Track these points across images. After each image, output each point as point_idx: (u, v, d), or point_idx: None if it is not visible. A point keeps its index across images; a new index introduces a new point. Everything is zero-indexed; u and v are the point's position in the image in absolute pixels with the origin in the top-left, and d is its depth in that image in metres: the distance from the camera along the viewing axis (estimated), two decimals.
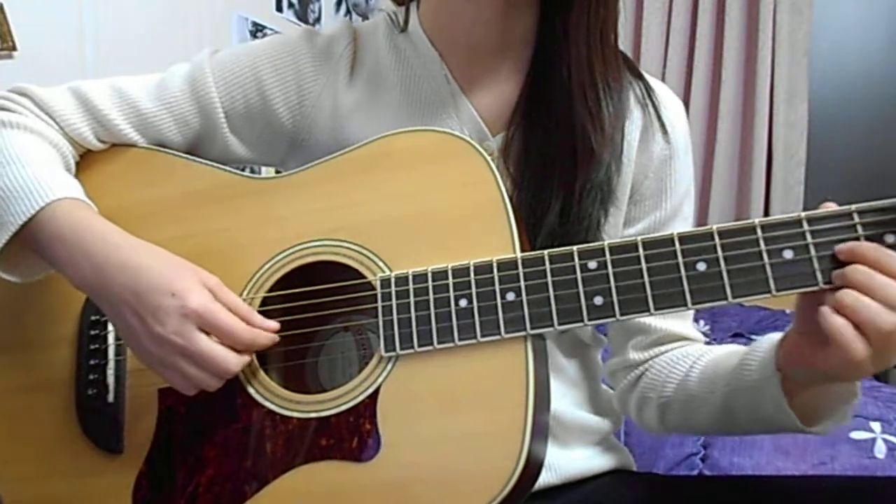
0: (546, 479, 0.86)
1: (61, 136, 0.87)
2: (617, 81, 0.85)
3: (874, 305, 0.61)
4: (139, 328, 0.72)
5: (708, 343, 0.93)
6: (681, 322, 0.92)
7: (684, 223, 0.93)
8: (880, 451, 1.47)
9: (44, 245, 0.76)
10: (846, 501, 0.75)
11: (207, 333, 0.71)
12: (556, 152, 0.82)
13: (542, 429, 0.70)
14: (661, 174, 0.90)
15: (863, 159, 2.91)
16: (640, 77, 0.90)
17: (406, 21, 0.90)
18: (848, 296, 0.62)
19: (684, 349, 0.90)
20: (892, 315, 0.61)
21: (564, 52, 0.82)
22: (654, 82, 0.92)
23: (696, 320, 0.94)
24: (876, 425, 1.52)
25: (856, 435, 1.50)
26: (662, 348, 0.91)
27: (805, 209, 0.65)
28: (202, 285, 0.73)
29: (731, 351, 0.85)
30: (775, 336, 0.77)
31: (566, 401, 0.91)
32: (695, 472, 1.50)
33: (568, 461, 0.89)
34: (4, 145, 0.81)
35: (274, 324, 0.75)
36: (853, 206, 0.64)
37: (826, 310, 0.63)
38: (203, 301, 0.71)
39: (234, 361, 0.72)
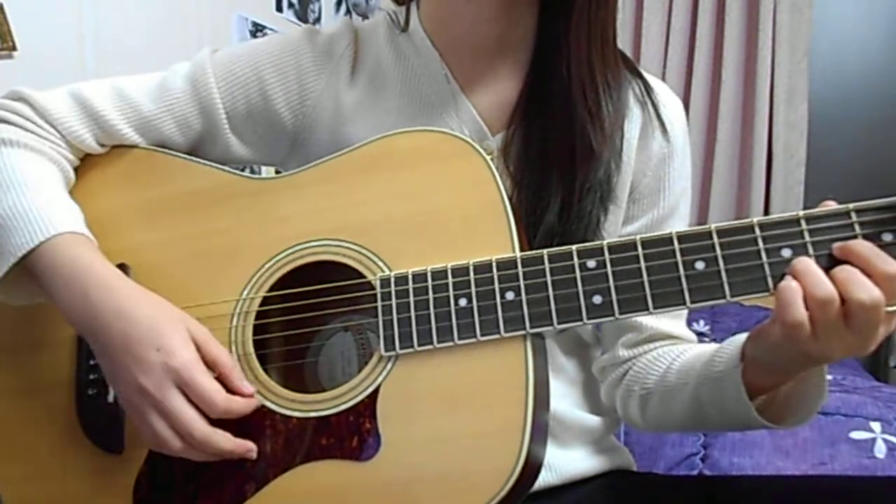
0: (546, 479, 0.86)
1: (61, 146, 0.86)
2: (616, 81, 0.85)
3: (831, 288, 0.62)
4: (123, 375, 0.72)
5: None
6: (673, 322, 0.92)
7: (681, 222, 0.93)
8: (880, 451, 1.47)
9: (41, 278, 0.76)
10: (846, 501, 0.76)
11: (186, 394, 0.71)
12: (556, 151, 0.83)
13: (541, 428, 0.70)
14: (660, 172, 0.91)
15: (863, 159, 2.91)
16: (638, 75, 0.90)
17: (407, 21, 0.90)
18: (800, 262, 0.63)
19: (671, 346, 0.91)
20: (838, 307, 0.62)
21: (564, 51, 0.83)
22: (654, 81, 0.92)
23: (696, 320, 0.95)
24: (876, 425, 1.52)
25: (856, 435, 1.50)
26: (651, 345, 0.91)
27: (805, 209, 0.65)
28: (189, 342, 0.73)
29: (711, 346, 0.85)
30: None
31: (566, 401, 0.91)
32: (695, 472, 1.51)
33: (568, 461, 0.89)
34: (3, 167, 0.81)
35: (249, 388, 0.74)
36: (851, 205, 0.64)
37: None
38: (185, 360, 0.71)
39: (198, 428, 0.70)
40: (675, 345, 0.91)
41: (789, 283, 0.63)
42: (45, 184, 0.81)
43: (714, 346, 0.84)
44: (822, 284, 0.62)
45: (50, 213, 0.77)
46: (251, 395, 0.74)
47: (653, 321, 0.91)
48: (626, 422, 0.94)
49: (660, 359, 0.89)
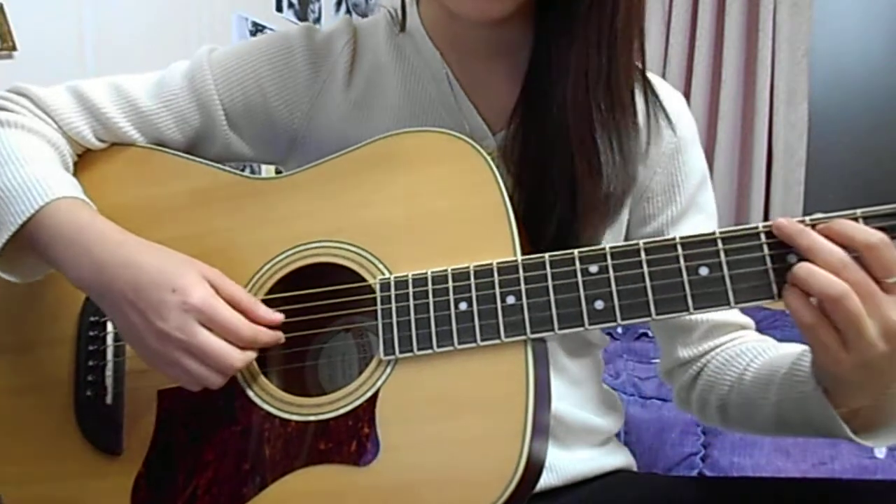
0: (547, 480, 0.86)
1: (60, 135, 0.86)
2: (622, 103, 0.81)
3: (822, 273, 0.61)
4: (141, 325, 0.71)
5: None
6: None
7: (702, 214, 0.92)
8: (880, 451, 1.47)
9: (43, 244, 0.76)
10: (846, 503, 0.75)
11: (210, 329, 0.71)
12: (555, 151, 0.82)
13: (542, 431, 0.69)
14: (670, 168, 0.90)
15: (863, 159, 2.91)
16: (640, 74, 0.90)
17: (403, 20, 0.90)
18: (801, 269, 0.62)
19: (739, 346, 0.88)
20: (840, 283, 0.60)
21: (562, 63, 0.80)
22: (654, 78, 0.92)
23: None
24: None
25: None
26: (715, 342, 0.89)
27: (805, 209, 0.65)
28: (203, 280, 0.73)
29: (784, 353, 0.82)
30: None
31: (567, 401, 0.91)
32: (695, 472, 1.51)
33: (569, 462, 0.89)
34: (2, 145, 0.81)
35: (278, 315, 0.75)
36: (858, 211, 0.63)
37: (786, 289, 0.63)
38: (204, 296, 0.71)
39: (236, 357, 0.71)
40: (739, 342, 0.89)
41: (789, 290, 0.63)
42: (43, 160, 0.81)
43: (790, 353, 0.80)
44: (833, 284, 0.61)
45: (47, 181, 0.77)
46: (279, 322, 0.75)
47: (702, 315, 0.88)
48: (707, 424, 0.93)
49: (731, 364, 0.87)
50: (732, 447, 1.51)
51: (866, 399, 0.70)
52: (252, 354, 0.73)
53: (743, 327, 0.91)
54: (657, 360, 1.00)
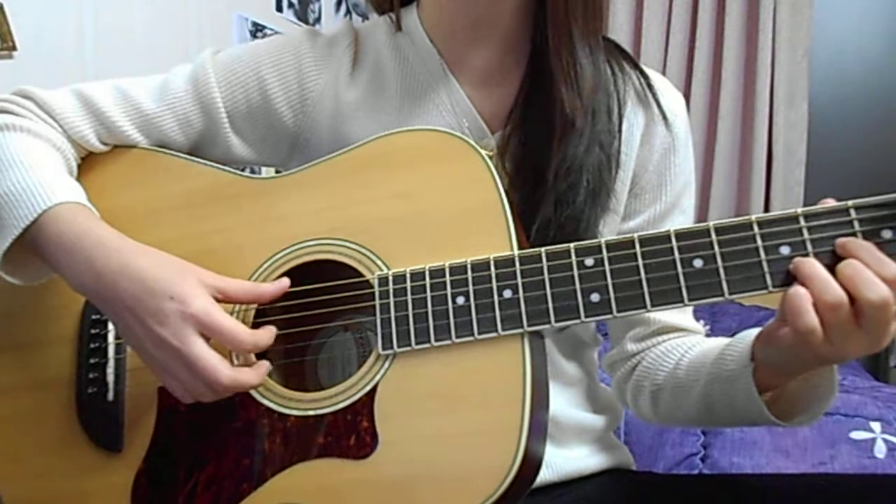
0: (543, 476, 0.86)
1: (64, 138, 0.87)
2: (596, 53, 0.84)
3: (840, 292, 0.62)
4: (140, 331, 0.71)
5: None
6: (680, 314, 0.92)
7: (682, 216, 0.93)
8: (880, 451, 1.47)
9: (44, 249, 0.76)
10: (845, 500, 0.76)
11: (208, 339, 0.71)
12: (554, 150, 0.82)
13: (539, 426, 0.70)
14: (661, 167, 0.91)
15: (863, 159, 2.91)
16: (637, 68, 0.91)
17: (399, 19, 0.90)
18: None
19: (680, 339, 0.91)
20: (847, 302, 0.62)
21: (542, 24, 0.82)
22: (654, 75, 0.93)
23: (696, 320, 0.95)
24: (876, 425, 1.52)
25: (856, 435, 1.50)
26: (659, 338, 0.91)
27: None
28: (203, 287, 0.72)
29: (719, 342, 0.85)
30: (756, 330, 0.77)
31: (563, 400, 0.91)
32: (695, 473, 1.50)
33: (565, 459, 0.89)
34: (7, 148, 0.81)
35: (284, 281, 0.76)
36: (850, 202, 0.64)
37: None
38: (203, 304, 0.70)
39: (225, 373, 0.69)
40: (683, 337, 0.91)
41: (798, 290, 0.63)
42: (46, 164, 0.81)
43: (723, 341, 0.84)
44: (831, 288, 0.62)
45: (50, 186, 0.78)
46: (282, 290, 0.76)
47: (659, 315, 0.90)
48: (637, 415, 0.94)
49: (669, 353, 0.89)
50: (732, 447, 1.51)
51: (791, 375, 0.74)
52: (245, 374, 0.72)
53: (692, 332, 0.93)
54: None
